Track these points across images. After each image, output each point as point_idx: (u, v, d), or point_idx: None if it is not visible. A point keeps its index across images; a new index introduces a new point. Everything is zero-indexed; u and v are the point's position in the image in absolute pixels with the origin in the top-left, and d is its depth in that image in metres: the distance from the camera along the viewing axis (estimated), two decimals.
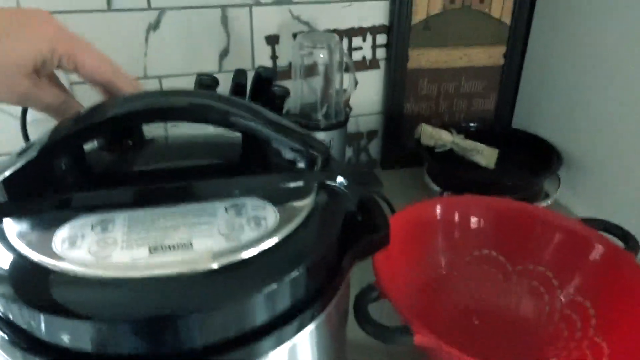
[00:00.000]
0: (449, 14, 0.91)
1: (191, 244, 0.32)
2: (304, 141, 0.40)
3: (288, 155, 0.40)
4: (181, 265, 0.31)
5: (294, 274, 0.32)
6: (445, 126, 0.94)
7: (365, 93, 0.96)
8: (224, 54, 0.85)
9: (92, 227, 0.33)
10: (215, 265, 0.31)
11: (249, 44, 0.86)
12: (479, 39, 0.95)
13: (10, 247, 0.32)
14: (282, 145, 0.39)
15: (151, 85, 0.84)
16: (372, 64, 0.94)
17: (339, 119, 0.82)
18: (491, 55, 0.96)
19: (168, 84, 0.84)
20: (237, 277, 0.31)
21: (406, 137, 1.00)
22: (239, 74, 0.60)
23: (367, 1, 0.88)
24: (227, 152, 0.43)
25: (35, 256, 0.31)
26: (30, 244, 0.32)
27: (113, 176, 0.38)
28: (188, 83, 0.85)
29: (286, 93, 0.62)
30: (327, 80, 0.81)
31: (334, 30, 0.89)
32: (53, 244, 0.32)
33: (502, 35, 0.95)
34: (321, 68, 0.81)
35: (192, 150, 0.43)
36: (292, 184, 0.38)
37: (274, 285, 0.31)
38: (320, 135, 0.80)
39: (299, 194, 0.38)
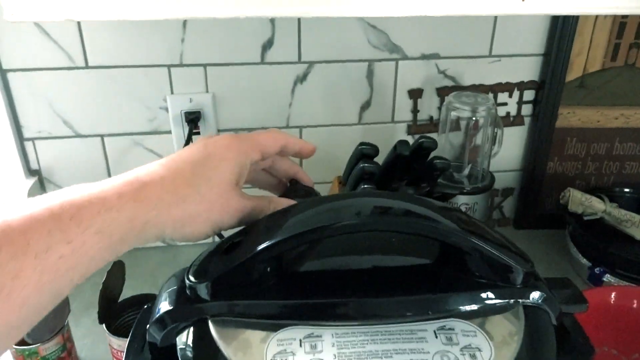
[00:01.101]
0: (609, 72, 0.84)
1: None
2: (514, 255, 0.37)
3: (489, 269, 0.37)
4: None
5: None
6: (592, 190, 0.87)
7: (506, 149, 0.90)
8: (366, 106, 0.84)
9: (301, 343, 0.32)
10: None
11: (391, 97, 0.84)
12: (638, 99, 0.87)
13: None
14: (490, 259, 0.36)
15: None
16: (517, 121, 0.89)
17: (485, 182, 0.77)
18: None
19: (308, 134, 0.85)
20: None
21: (545, 197, 0.93)
22: (402, 145, 0.58)
23: (517, 57, 0.84)
24: (416, 258, 0.41)
25: None
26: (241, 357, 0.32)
27: (311, 282, 0.38)
28: (329, 133, 0.85)
29: (447, 166, 0.60)
30: (474, 139, 0.78)
31: (480, 86, 0.85)
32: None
33: None
34: (468, 126, 0.78)
35: (383, 249, 0.42)
36: (497, 303, 0.36)
37: None
38: (463, 199, 0.76)
39: (506, 315, 0.35)
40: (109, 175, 0.78)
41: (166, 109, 0.79)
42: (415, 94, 0.85)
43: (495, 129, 0.79)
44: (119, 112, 0.79)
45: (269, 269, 0.36)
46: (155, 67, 0.77)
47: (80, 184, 0.33)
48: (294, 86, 0.81)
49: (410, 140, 0.67)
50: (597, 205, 0.83)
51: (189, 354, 0.34)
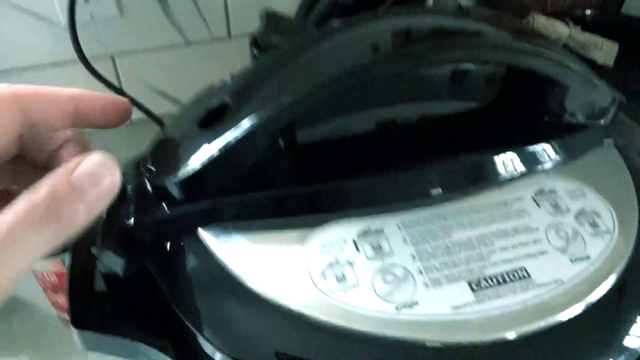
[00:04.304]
0: None
1: (526, 271, 0.21)
2: (599, 83, 0.27)
3: (575, 101, 0.27)
4: (540, 311, 0.19)
5: None
6: (550, 15, 0.79)
7: None
8: None
9: (357, 245, 0.21)
10: (583, 305, 0.20)
11: None
12: None
13: (244, 289, 0.20)
14: (578, 86, 0.26)
15: None
16: None
17: None
18: None
19: None
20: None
21: None
22: None
23: None
24: (472, 102, 0.29)
25: (299, 306, 0.19)
26: (273, 283, 0.20)
27: (344, 154, 0.25)
28: None
29: None
30: None
31: None
32: (312, 280, 0.20)
33: None
34: None
35: (430, 92, 0.29)
36: (588, 146, 0.26)
37: None
38: None
39: (603, 161, 0.26)
40: None
41: None
42: None
43: None
44: None
45: (280, 144, 0.23)
46: None
47: None
48: None
49: None
50: (561, 30, 0.76)
51: (178, 290, 0.22)
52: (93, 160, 0.17)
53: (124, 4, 0.57)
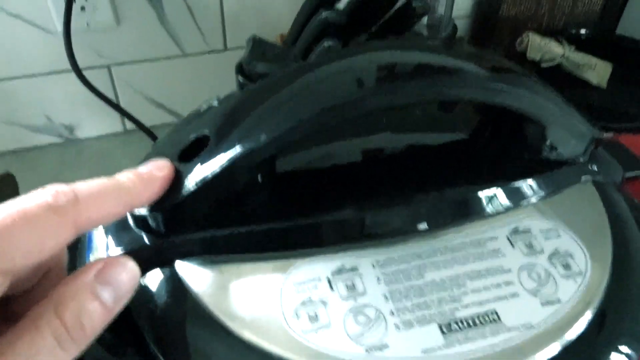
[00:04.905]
0: None
1: (497, 314, 0.21)
2: (578, 120, 0.27)
3: (550, 138, 0.27)
4: (507, 356, 0.20)
5: None
6: (544, 34, 0.79)
7: None
8: None
9: (331, 283, 0.21)
10: (554, 351, 0.20)
11: None
12: None
13: (216, 324, 0.21)
14: (555, 124, 0.26)
15: None
16: None
17: (447, 31, 0.66)
18: None
19: None
20: None
21: (496, 45, 0.85)
22: None
23: None
24: (451, 134, 0.30)
25: (271, 345, 0.20)
26: (245, 320, 0.20)
27: (322, 189, 0.25)
28: None
29: (427, 9, 0.47)
30: None
31: None
32: (284, 319, 0.20)
33: None
34: None
35: (410, 125, 0.30)
36: (565, 183, 0.27)
37: None
38: None
39: (578, 199, 0.26)
40: None
41: None
42: None
43: None
44: None
45: (258, 178, 0.23)
46: None
47: None
48: None
49: None
50: (555, 50, 0.76)
51: (152, 326, 0.22)
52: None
53: (121, 13, 0.57)
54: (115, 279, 0.17)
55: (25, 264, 0.16)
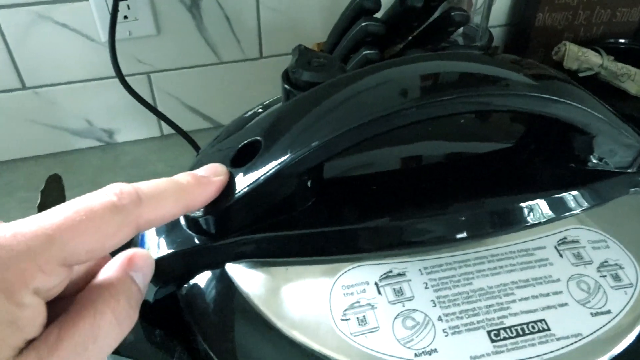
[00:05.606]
0: None
1: (546, 323, 0.21)
2: (626, 130, 0.27)
3: (597, 152, 0.27)
4: None
5: None
6: (581, 43, 0.78)
7: None
8: None
9: (378, 288, 0.22)
10: None
11: None
12: None
13: (266, 324, 0.21)
14: (606, 135, 0.26)
15: None
16: None
17: (482, 41, 0.66)
18: None
19: None
20: None
21: (532, 54, 0.84)
22: None
23: None
24: (497, 143, 0.30)
25: (320, 347, 0.20)
26: (294, 321, 0.21)
27: (372, 196, 0.26)
28: None
29: (466, 19, 0.47)
30: None
31: None
32: (333, 321, 0.21)
33: None
34: None
35: (457, 135, 0.30)
36: (615, 197, 0.26)
37: None
38: None
39: (633, 213, 0.26)
40: (12, 60, 0.59)
41: None
42: None
43: None
44: None
45: (308, 184, 0.24)
46: None
47: None
48: None
49: None
50: (593, 60, 0.75)
51: (202, 324, 0.23)
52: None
53: (161, 23, 0.59)
54: (142, 267, 0.19)
55: (86, 261, 0.17)
